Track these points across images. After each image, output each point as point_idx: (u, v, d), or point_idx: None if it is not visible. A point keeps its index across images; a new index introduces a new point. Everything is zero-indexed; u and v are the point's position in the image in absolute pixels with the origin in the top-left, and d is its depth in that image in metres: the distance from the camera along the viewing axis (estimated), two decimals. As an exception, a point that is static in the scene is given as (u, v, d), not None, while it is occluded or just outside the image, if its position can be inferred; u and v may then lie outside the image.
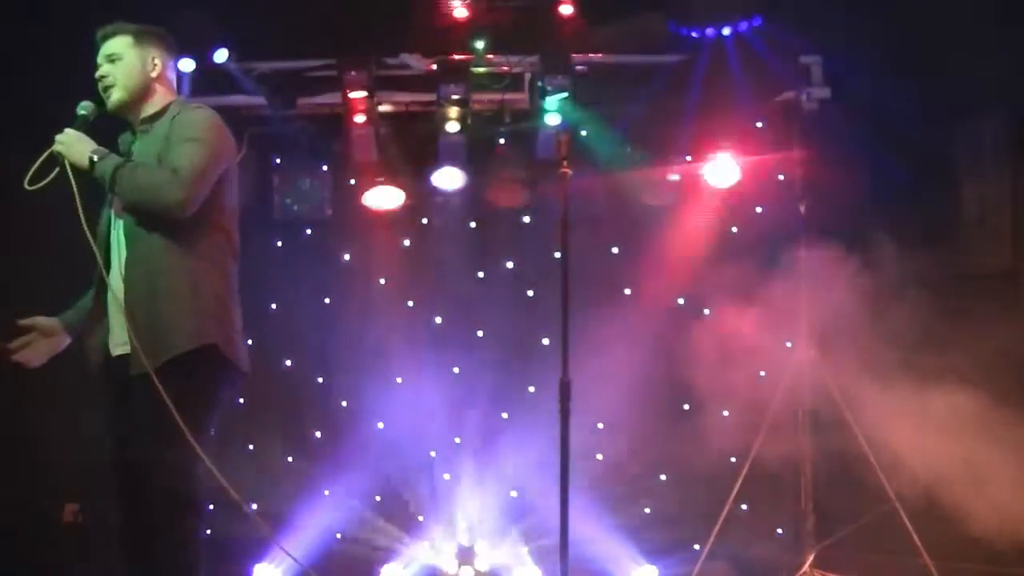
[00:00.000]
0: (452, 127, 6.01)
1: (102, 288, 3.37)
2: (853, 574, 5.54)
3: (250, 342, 6.33)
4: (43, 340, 3.51)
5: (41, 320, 3.51)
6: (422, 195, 6.40)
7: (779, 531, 6.10)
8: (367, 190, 6.20)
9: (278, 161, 6.26)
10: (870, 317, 5.44)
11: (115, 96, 3.41)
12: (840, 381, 5.53)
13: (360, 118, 5.98)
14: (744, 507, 5.88)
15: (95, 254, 3.34)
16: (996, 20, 5.42)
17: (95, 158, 3.24)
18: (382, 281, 6.46)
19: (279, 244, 6.45)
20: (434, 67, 5.99)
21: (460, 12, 5.84)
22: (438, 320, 6.45)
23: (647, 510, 6.19)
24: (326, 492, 6.10)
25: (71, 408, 5.50)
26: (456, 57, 5.97)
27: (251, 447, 6.20)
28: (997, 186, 5.88)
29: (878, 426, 5.39)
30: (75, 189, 3.27)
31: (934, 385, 5.27)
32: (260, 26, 5.85)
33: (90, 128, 3.39)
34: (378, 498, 6.17)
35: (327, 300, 6.37)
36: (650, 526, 6.08)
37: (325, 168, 6.36)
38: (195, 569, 3.24)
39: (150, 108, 3.46)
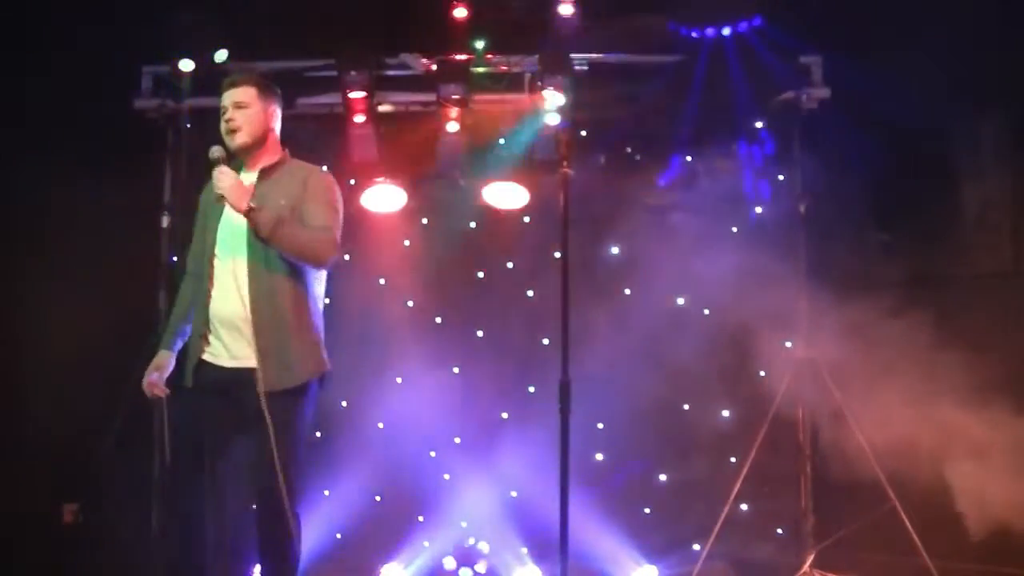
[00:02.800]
0: (452, 127, 6.01)
1: (205, 304, 3.76)
2: (853, 574, 5.54)
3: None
4: (160, 376, 3.84)
5: (151, 374, 3.83)
6: (422, 195, 6.39)
7: (779, 531, 6.10)
8: (366, 189, 6.21)
9: (278, 161, 6.24)
10: (870, 317, 5.44)
11: (240, 140, 3.78)
12: (840, 381, 5.53)
13: (360, 118, 5.98)
14: (744, 507, 5.88)
15: (205, 276, 3.76)
16: (996, 19, 5.42)
17: (254, 204, 3.62)
18: (382, 281, 6.46)
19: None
20: (434, 67, 5.99)
21: (460, 12, 5.84)
22: (438, 320, 6.45)
23: (647, 510, 6.19)
24: (326, 492, 6.10)
25: (71, 408, 5.51)
26: (456, 57, 5.97)
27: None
28: (997, 186, 5.88)
29: (878, 426, 5.39)
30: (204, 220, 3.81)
31: (934, 385, 5.28)
32: (260, 26, 5.86)
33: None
34: (378, 498, 6.17)
35: (327, 300, 6.35)
36: (650, 526, 6.08)
37: (325, 168, 6.34)
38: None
39: (267, 156, 3.87)
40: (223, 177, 3.62)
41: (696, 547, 5.76)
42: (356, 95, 5.91)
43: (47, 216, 5.70)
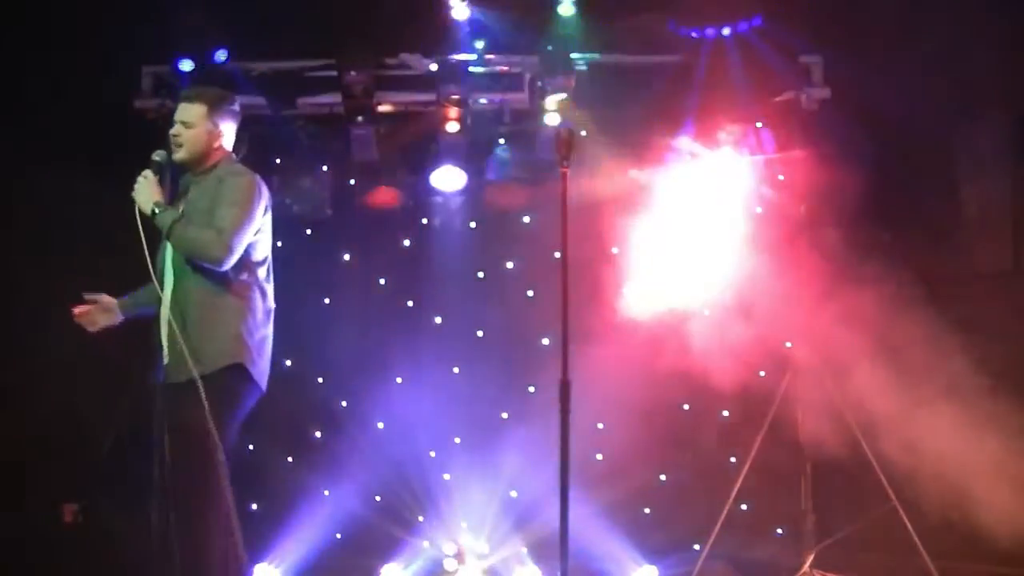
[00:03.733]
0: (452, 127, 6.02)
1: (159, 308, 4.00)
2: (853, 574, 5.54)
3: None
4: (101, 312, 4.16)
5: (105, 297, 4.16)
6: (422, 195, 6.40)
7: (779, 531, 6.10)
8: (367, 190, 6.23)
9: (278, 161, 6.26)
10: (870, 317, 5.44)
11: (179, 155, 4.03)
12: (840, 381, 5.53)
13: (360, 118, 5.99)
14: (744, 507, 5.88)
15: (155, 281, 3.94)
16: (996, 20, 5.42)
17: (156, 210, 3.88)
18: (382, 281, 6.46)
19: (279, 244, 6.41)
20: (434, 67, 5.99)
21: (460, 12, 5.84)
22: (438, 320, 6.45)
23: (647, 510, 6.19)
24: (326, 492, 6.10)
25: (71, 408, 5.51)
26: (456, 57, 5.97)
27: (251, 447, 6.20)
28: (997, 186, 5.88)
29: (878, 426, 5.39)
30: (140, 227, 3.89)
31: (934, 384, 5.28)
32: (260, 26, 5.86)
33: (163, 171, 4.02)
34: (378, 498, 6.17)
35: (327, 300, 6.37)
36: (650, 526, 6.08)
37: (325, 168, 6.36)
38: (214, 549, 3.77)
39: (207, 164, 4.07)
40: (139, 181, 3.92)
41: (696, 547, 5.76)
42: (356, 95, 5.91)
43: (47, 216, 5.70)
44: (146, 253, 3.88)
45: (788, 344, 5.91)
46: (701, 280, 5.97)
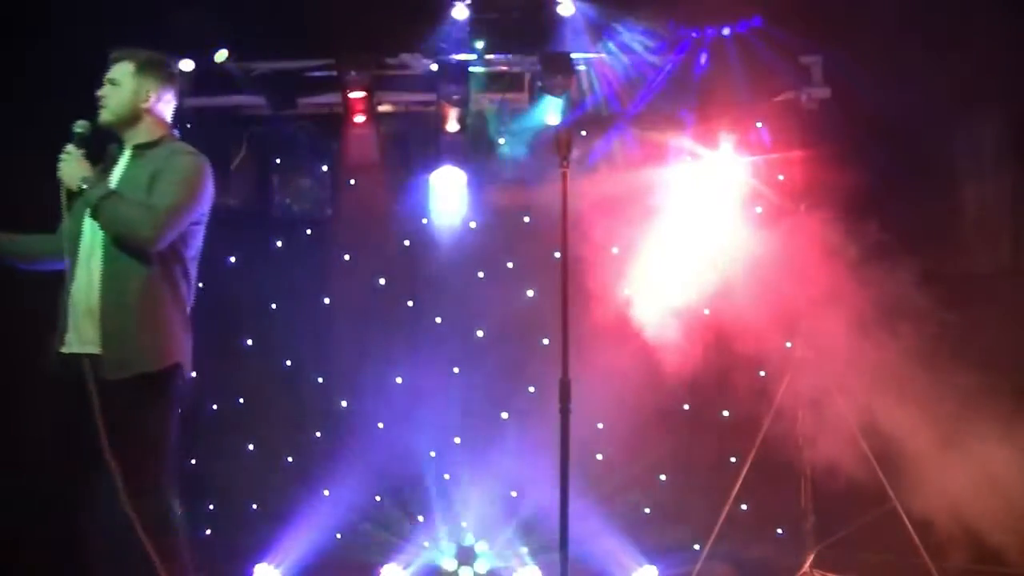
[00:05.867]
0: (452, 127, 6.02)
1: (68, 288, 3.69)
2: (853, 574, 5.54)
3: (250, 342, 6.44)
4: None
5: None
6: (422, 195, 6.40)
7: (779, 531, 6.10)
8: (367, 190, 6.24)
9: (278, 161, 6.26)
10: (869, 316, 5.44)
11: (103, 117, 3.77)
12: (840, 381, 5.53)
13: (360, 118, 5.99)
14: (744, 507, 5.88)
15: (71, 257, 3.68)
16: (996, 19, 5.42)
17: (85, 186, 3.59)
18: (382, 281, 6.46)
19: (279, 244, 6.45)
20: (434, 67, 5.99)
21: (460, 12, 5.84)
22: (438, 320, 6.45)
23: (647, 510, 6.19)
24: (326, 492, 6.10)
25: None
26: (456, 57, 5.97)
27: (251, 447, 6.21)
28: (997, 186, 5.88)
29: (878, 426, 5.39)
30: (64, 203, 3.66)
31: (934, 384, 5.28)
32: (260, 26, 5.86)
33: (88, 142, 3.72)
34: (378, 498, 6.17)
35: (327, 300, 6.38)
36: (650, 526, 6.08)
37: (325, 168, 6.36)
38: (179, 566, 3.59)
39: (141, 135, 3.80)
40: (62, 158, 3.64)
41: (696, 547, 5.76)
42: (356, 95, 5.92)
43: (48, 216, 5.68)
44: (66, 222, 3.65)
45: (788, 344, 5.91)
46: (701, 280, 5.96)
